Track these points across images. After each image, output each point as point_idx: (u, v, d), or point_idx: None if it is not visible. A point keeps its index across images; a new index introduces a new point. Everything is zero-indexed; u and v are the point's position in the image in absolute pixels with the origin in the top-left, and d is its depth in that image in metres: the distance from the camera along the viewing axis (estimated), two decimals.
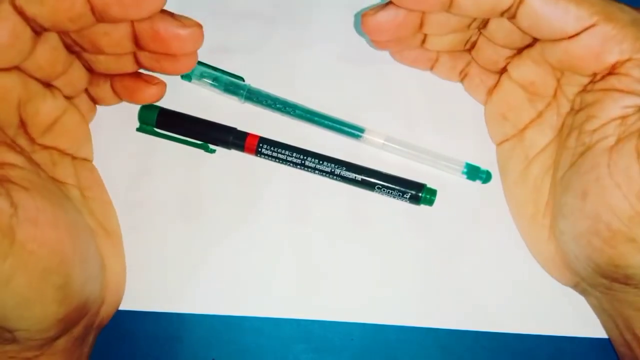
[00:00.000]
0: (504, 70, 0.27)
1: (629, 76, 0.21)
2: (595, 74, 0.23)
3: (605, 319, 0.26)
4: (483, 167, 0.29)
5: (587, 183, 0.22)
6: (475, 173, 0.28)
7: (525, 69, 0.25)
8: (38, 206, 0.20)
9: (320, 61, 0.31)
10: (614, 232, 0.21)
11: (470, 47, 0.27)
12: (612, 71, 0.22)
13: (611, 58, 0.21)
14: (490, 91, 0.28)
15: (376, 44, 0.26)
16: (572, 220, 0.23)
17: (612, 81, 0.22)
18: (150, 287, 0.27)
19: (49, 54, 0.22)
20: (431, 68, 0.29)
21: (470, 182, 0.29)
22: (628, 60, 0.21)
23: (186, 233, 0.28)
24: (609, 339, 0.27)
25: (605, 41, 0.21)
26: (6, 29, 0.20)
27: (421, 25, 0.24)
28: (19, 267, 0.19)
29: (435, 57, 0.28)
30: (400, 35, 0.24)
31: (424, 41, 0.27)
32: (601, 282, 0.24)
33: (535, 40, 0.24)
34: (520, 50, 0.25)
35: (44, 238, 0.20)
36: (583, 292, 0.27)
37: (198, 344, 0.27)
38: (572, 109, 0.24)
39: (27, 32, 0.20)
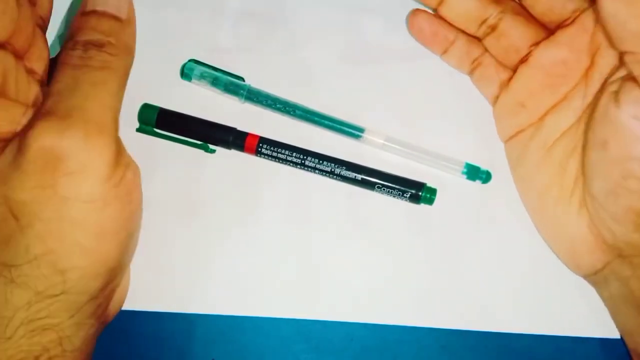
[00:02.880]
0: (525, 59, 0.27)
1: None
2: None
3: (624, 310, 0.26)
4: (483, 167, 0.29)
5: (603, 130, 0.23)
6: (475, 173, 0.28)
7: (555, 50, 0.26)
8: (136, 168, 0.24)
9: (320, 61, 0.31)
10: None
11: (486, 35, 0.27)
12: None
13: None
14: (505, 82, 0.28)
15: None
16: (603, 174, 0.24)
17: None
18: (150, 287, 0.27)
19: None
20: (444, 52, 0.29)
21: (470, 182, 0.29)
22: None
23: (186, 233, 0.28)
24: (611, 338, 0.27)
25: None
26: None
27: None
28: (119, 200, 0.22)
29: (452, 38, 0.28)
30: None
31: (440, 3, 0.27)
32: None
33: (563, 24, 0.25)
34: (552, 31, 0.26)
35: (138, 196, 0.24)
36: (605, 279, 0.26)
37: (198, 344, 0.27)
38: (602, 86, 0.24)
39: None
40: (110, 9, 0.24)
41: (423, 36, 0.29)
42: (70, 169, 0.21)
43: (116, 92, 0.23)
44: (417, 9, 0.29)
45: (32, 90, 0.24)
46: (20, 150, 0.21)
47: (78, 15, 0.24)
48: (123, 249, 0.23)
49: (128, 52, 0.24)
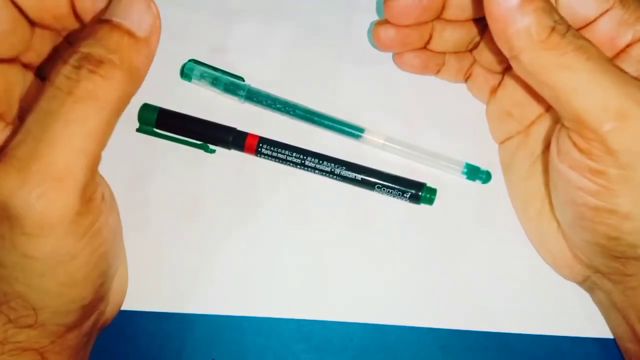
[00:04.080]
0: (509, 68, 0.27)
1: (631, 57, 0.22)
2: None
3: (613, 316, 0.26)
4: (483, 167, 0.29)
5: (553, 173, 0.23)
6: (475, 173, 0.28)
7: None
8: (110, 194, 0.22)
9: (320, 61, 0.31)
10: (594, 209, 0.22)
11: (473, 47, 0.27)
12: (619, 54, 0.23)
13: (623, 41, 0.22)
14: (494, 89, 0.28)
15: (381, 44, 0.27)
16: (560, 211, 0.24)
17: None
18: (150, 287, 0.27)
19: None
20: (437, 72, 0.29)
21: (470, 182, 0.29)
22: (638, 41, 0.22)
23: (186, 233, 0.28)
24: (610, 338, 0.27)
25: (619, 24, 0.22)
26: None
27: (443, 8, 0.25)
28: (88, 247, 0.20)
29: (442, 61, 0.29)
30: (420, 20, 0.25)
31: (428, 42, 0.27)
32: (615, 266, 0.23)
33: None
34: None
35: (113, 224, 0.22)
36: (591, 287, 0.26)
37: (198, 344, 0.27)
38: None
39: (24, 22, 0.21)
40: (127, 23, 0.19)
41: (415, 70, 0.29)
42: (25, 230, 0.18)
43: (96, 130, 0.19)
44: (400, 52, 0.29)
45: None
46: None
47: (91, 22, 0.21)
48: (97, 288, 0.22)
49: (131, 77, 0.20)
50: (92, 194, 0.20)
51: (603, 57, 0.20)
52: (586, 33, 0.22)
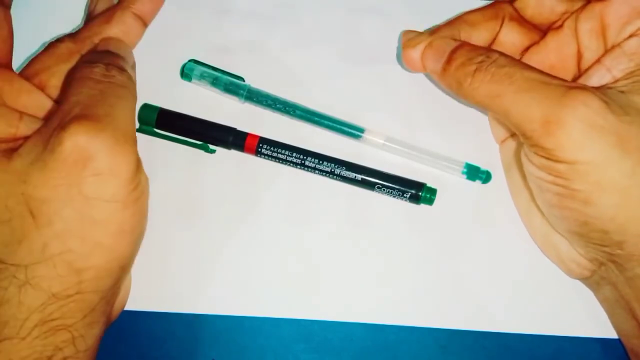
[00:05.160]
0: None
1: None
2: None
3: (618, 312, 0.26)
4: (483, 167, 0.29)
5: (523, 166, 0.25)
6: (475, 173, 0.28)
7: (543, 57, 0.26)
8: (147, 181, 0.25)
9: (320, 61, 0.31)
10: (557, 195, 0.23)
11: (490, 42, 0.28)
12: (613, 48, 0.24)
13: (632, 28, 0.24)
14: None
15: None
16: (538, 201, 0.25)
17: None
18: (151, 288, 0.27)
19: None
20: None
21: (470, 182, 0.29)
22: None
23: (186, 233, 0.28)
24: (610, 338, 0.27)
25: (632, 10, 0.24)
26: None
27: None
28: (137, 202, 0.23)
29: None
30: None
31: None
32: (607, 256, 0.24)
33: (553, 26, 0.26)
34: (545, 32, 0.27)
35: (147, 196, 0.24)
36: (598, 282, 0.26)
37: (198, 344, 0.27)
38: None
39: None
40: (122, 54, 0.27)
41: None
42: (98, 170, 0.21)
43: (133, 110, 0.25)
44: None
45: (29, 97, 0.25)
46: (50, 148, 0.21)
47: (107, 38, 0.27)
48: (135, 247, 0.24)
49: (135, 84, 0.26)
50: (140, 159, 0.24)
51: (528, 75, 0.23)
52: (603, 9, 0.24)
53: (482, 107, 0.25)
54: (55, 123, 0.22)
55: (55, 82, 0.26)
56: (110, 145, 0.22)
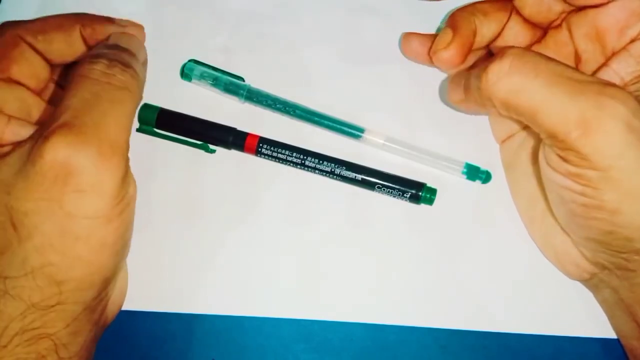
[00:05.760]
0: None
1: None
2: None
3: (618, 314, 0.26)
4: (483, 167, 0.29)
5: (542, 174, 0.24)
6: (475, 173, 0.28)
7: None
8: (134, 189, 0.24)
9: (320, 61, 0.31)
10: (583, 205, 0.22)
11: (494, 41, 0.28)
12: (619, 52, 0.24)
13: (633, 32, 0.23)
14: None
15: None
16: (556, 209, 0.24)
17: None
18: (150, 287, 0.27)
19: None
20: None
21: (470, 182, 0.29)
22: None
23: (186, 233, 0.28)
24: (610, 338, 0.27)
25: (630, 14, 0.23)
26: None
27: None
28: (122, 214, 0.22)
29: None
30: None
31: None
32: (618, 262, 0.23)
33: (552, 25, 0.26)
34: (542, 36, 0.27)
35: (134, 204, 0.24)
36: (597, 285, 0.26)
37: (198, 344, 0.27)
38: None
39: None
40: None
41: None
42: (79, 187, 0.21)
43: (131, 114, 0.23)
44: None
45: (17, 101, 0.24)
46: (31, 160, 0.20)
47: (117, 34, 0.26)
48: (119, 259, 0.24)
49: (143, 80, 0.25)
50: (129, 169, 0.23)
51: (554, 68, 0.21)
52: (597, 15, 0.23)
53: (507, 111, 0.22)
54: (43, 130, 0.21)
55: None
56: (94, 160, 0.21)
